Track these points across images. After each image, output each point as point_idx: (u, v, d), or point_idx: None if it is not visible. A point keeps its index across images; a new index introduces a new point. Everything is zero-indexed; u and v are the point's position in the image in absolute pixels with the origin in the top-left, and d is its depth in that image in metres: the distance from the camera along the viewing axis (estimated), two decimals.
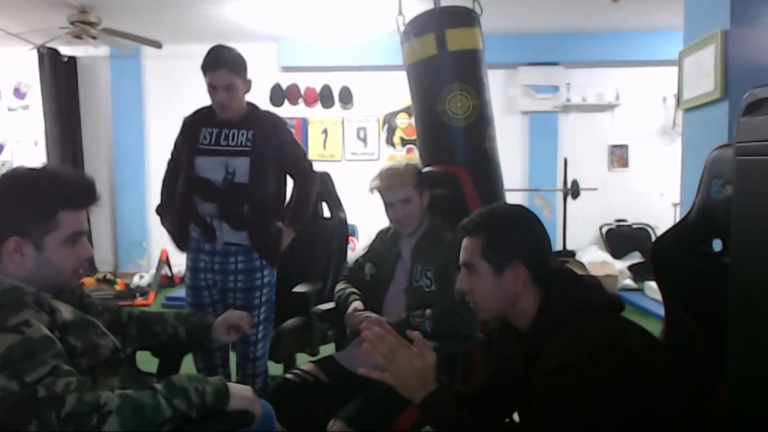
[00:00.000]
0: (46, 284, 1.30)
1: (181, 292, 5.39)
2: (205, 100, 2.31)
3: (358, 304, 2.02)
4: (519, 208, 1.33)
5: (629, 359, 1.08)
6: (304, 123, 6.47)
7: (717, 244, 1.30)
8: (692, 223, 1.33)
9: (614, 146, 6.41)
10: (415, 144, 5.92)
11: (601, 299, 1.22)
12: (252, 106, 2.31)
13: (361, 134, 6.50)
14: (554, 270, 1.27)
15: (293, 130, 6.42)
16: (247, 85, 2.28)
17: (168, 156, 2.43)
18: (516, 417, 1.41)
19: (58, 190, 1.27)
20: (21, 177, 1.28)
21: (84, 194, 1.31)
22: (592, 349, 1.08)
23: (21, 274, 1.25)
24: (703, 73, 2.76)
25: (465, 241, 1.28)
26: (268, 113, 2.36)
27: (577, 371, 1.06)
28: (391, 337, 1.25)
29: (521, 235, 1.25)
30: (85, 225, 1.32)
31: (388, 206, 2.02)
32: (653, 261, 1.39)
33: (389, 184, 1.99)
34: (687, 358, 1.26)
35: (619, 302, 1.24)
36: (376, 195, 2.05)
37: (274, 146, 2.25)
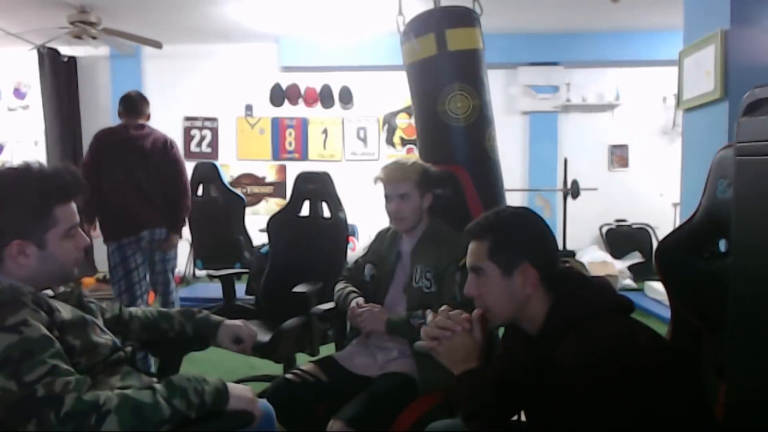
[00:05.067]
0: (52, 279, 1.32)
1: (181, 292, 5.40)
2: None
3: (360, 300, 2.02)
4: (524, 210, 1.33)
5: (642, 360, 1.08)
6: (304, 123, 6.47)
7: (723, 245, 1.29)
8: (698, 223, 1.33)
9: (614, 146, 6.41)
10: (415, 144, 5.91)
11: (612, 300, 1.22)
12: None
13: (361, 134, 6.50)
14: (563, 272, 1.26)
15: (293, 130, 6.46)
16: None
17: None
18: (523, 417, 1.40)
19: (50, 187, 1.28)
20: (10, 179, 1.28)
21: (73, 186, 1.32)
22: (605, 351, 1.08)
23: (25, 273, 1.26)
24: (703, 73, 2.76)
25: (472, 245, 1.27)
26: None
27: (590, 372, 1.06)
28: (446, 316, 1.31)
29: (528, 236, 1.25)
30: (77, 216, 1.34)
31: (387, 199, 2.03)
32: (659, 261, 1.38)
33: (391, 176, 2.01)
34: (692, 357, 1.26)
35: (629, 303, 1.24)
36: (376, 195, 2.05)
37: None
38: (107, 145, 3.22)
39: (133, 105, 3.27)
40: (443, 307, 1.34)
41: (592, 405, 1.05)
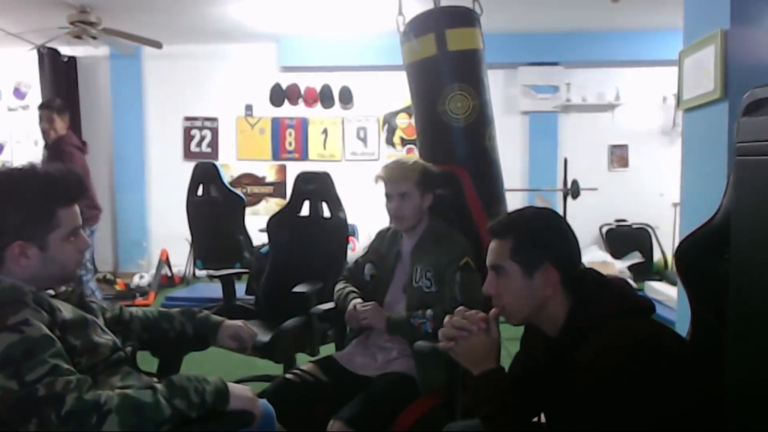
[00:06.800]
0: (52, 281, 1.32)
1: (181, 292, 5.41)
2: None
3: (358, 301, 2.02)
4: (548, 211, 1.33)
5: (662, 361, 1.08)
6: (304, 123, 6.47)
7: None
8: (719, 224, 1.31)
9: (614, 146, 6.41)
10: (415, 144, 5.91)
11: (632, 302, 1.22)
12: None
13: (361, 134, 6.50)
14: (583, 273, 1.26)
15: (293, 130, 6.46)
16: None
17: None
18: (542, 419, 1.40)
19: (54, 189, 1.27)
20: (15, 180, 1.27)
21: (76, 189, 1.32)
22: (626, 352, 1.08)
23: (26, 274, 1.26)
24: (703, 73, 2.76)
25: (493, 244, 1.27)
26: None
27: (611, 373, 1.06)
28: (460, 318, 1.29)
29: (551, 237, 1.24)
30: (80, 219, 1.33)
31: (387, 198, 2.03)
32: (679, 262, 1.37)
33: (391, 175, 2.01)
34: (712, 358, 1.25)
35: (649, 305, 1.23)
36: (376, 195, 2.06)
37: None
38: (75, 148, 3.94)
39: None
40: (459, 308, 1.33)
41: (612, 406, 1.05)
